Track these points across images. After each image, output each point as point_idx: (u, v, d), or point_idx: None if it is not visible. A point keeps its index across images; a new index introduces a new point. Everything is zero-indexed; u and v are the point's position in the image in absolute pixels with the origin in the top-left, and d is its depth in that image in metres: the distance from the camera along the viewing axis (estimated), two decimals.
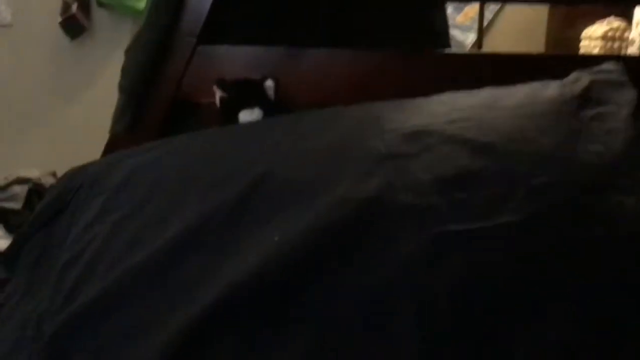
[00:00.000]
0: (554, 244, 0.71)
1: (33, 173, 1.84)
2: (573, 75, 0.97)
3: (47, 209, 1.07)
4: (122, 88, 1.30)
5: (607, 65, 1.00)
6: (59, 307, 0.84)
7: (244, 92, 1.15)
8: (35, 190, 1.80)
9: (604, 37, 2.70)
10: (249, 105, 1.13)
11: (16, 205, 1.76)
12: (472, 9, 3.06)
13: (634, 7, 2.44)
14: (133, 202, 0.91)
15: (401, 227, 0.72)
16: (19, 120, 2.89)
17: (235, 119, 1.14)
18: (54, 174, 1.86)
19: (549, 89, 0.92)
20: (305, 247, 0.72)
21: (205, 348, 0.68)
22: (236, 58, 1.30)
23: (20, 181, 1.81)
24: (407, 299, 0.66)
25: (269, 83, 1.15)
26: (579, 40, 2.78)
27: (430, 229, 0.71)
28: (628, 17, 2.60)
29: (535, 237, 0.71)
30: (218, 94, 1.16)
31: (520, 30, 3.06)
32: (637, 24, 2.50)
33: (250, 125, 1.10)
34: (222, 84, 1.16)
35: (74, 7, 2.66)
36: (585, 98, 0.90)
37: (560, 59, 1.11)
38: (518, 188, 0.74)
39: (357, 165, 0.80)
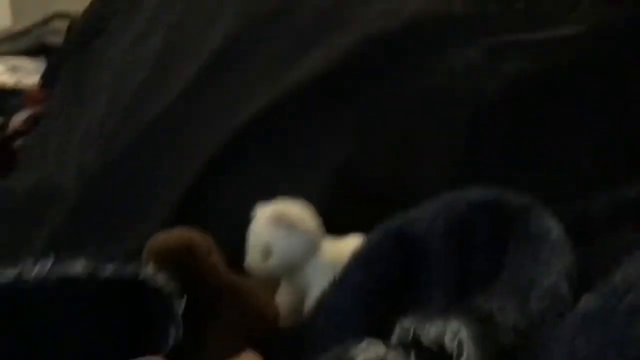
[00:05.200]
0: (611, 57, 0.66)
1: (72, 7, 1.81)
2: None
3: (88, 28, 1.06)
4: None
5: None
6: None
7: None
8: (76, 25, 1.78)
9: None
10: None
11: (58, 39, 1.75)
12: None
13: None
14: (174, 19, 0.88)
15: (454, 37, 0.68)
16: None
17: None
18: None
19: None
20: (353, 56, 0.69)
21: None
22: None
23: (60, 16, 1.78)
24: (454, 105, 0.64)
25: None
26: None
27: (483, 39, 0.67)
28: None
29: (593, 49, 0.66)
30: None
31: None
32: None
33: None
34: None
35: None
36: None
37: None
38: None
39: None
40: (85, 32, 1.06)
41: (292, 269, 0.54)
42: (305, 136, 0.67)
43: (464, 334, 0.35)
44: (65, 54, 1.05)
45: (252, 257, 0.53)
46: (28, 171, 0.87)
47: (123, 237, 0.66)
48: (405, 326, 0.37)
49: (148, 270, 0.47)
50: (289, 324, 0.52)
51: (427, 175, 0.61)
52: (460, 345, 0.35)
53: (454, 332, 0.35)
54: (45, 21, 1.80)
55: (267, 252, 0.53)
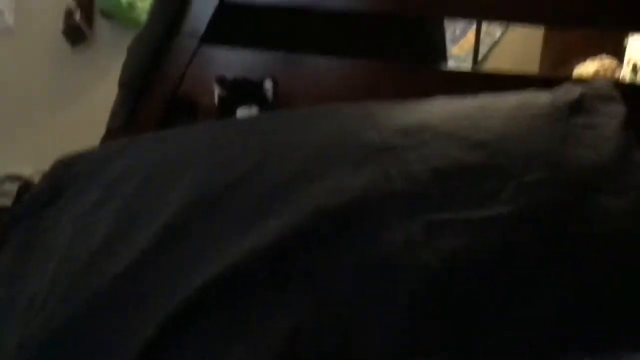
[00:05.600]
0: (541, 237, 0.72)
1: (25, 171, 1.84)
2: (564, 87, 0.99)
3: (41, 194, 1.08)
4: (122, 83, 1.32)
5: (598, 82, 1.04)
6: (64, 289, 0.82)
7: (243, 90, 1.17)
8: (27, 188, 1.80)
9: (596, 75, 2.76)
10: (247, 103, 1.15)
11: (7, 202, 1.76)
12: (468, 42, 3.12)
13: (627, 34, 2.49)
14: (131, 188, 0.91)
15: (395, 213, 0.73)
16: (16, 122, 2.89)
17: (232, 116, 1.16)
18: None
19: (541, 97, 0.95)
20: (301, 228, 0.73)
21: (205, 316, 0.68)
22: (236, 60, 1.32)
23: (12, 178, 1.81)
24: (397, 279, 0.67)
25: (268, 83, 1.17)
26: (571, 78, 2.84)
27: (424, 215, 0.72)
28: (619, 56, 2.66)
29: (524, 229, 0.72)
30: (217, 91, 1.18)
31: (514, 68, 3.12)
32: (628, 62, 2.56)
33: (249, 118, 1.12)
34: (222, 81, 1.18)
35: (77, 15, 2.69)
36: (576, 107, 0.92)
37: (555, 80, 1.14)
38: (510, 182, 0.76)
39: (353, 154, 0.82)
40: (39, 198, 1.07)
41: None
42: (258, 302, 0.69)
43: None
44: (15, 218, 1.06)
45: None
46: None
47: None
48: None
49: None
50: None
51: (372, 346, 0.63)
52: None
53: None
54: None
55: None
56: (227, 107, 1.17)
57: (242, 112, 1.15)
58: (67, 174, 1.06)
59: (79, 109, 2.91)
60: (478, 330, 0.66)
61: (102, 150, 1.09)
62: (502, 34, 3.20)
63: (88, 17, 2.78)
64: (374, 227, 0.72)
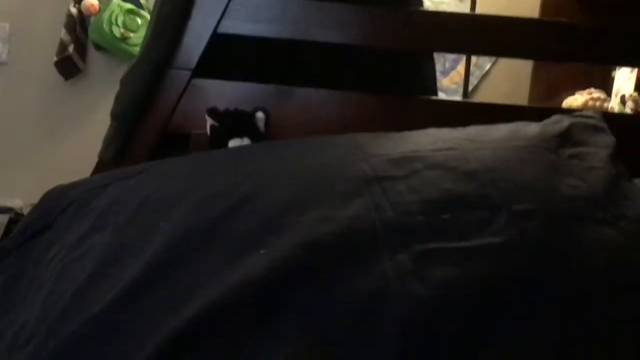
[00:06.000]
0: (532, 267, 0.72)
1: (15, 203, 1.83)
2: (554, 118, 1.01)
3: (31, 225, 1.07)
4: (114, 115, 1.32)
5: (586, 113, 1.05)
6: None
7: (235, 122, 1.17)
8: (16, 221, 1.79)
9: (585, 107, 2.79)
10: (238, 135, 1.16)
11: None
12: (458, 74, 3.16)
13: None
14: (122, 219, 0.91)
15: (385, 243, 0.73)
16: (6, 154, 2.89)
17: (224, 148, 1.16)
18: None
19: (530, 127, 0.96)
20: (291, 260, 0.72)
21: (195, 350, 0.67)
22: (228, 93, 1.33)
23: (1, 210, 1.80)
24: (388, 310, 0.67)
25: (260, 115, 1.18)
26: (560, 110, 2.87)
27: (414, 245, 0.72)
28: (607, 88, 2.70)
29: (515, 258, 0.72)
30: (209, 122, 1.19)
31: (503, 99, 3.16)
32: (617, 94, 2.60)
33: (238, 148, 1.12)
34: (214, 113, 1.18)
35: (71, 49, 2.72)
36: (565, 138, 0.93)
37: (544, 111, 1.16)
38: (500, 213, 0.76)
39: (343, 185, 0.82)
40: (29, 228, 1.07)
41: None
42: (248, 336, 0.68)
43: None
44: (4, 250, 1.05)
45: None
46: None
47: None
48: None
49: None
50: None
51: None
52: None
53: None
54: None
55: None
56: (219, 139, 1.17)
57: (234, 144, 1.16)
58: (57, 204, 1.06)
59: (71, 141, 2.92)
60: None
61: (92, 181, 1.09)
62: (492, 66, 3.24)
63: (82, 50, 2.81)
64: (365, 259, 0.71)
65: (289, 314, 0.68)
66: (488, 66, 3.25)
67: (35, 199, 1.14)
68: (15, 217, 1.79)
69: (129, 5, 2.77)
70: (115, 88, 1.40)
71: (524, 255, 0.73)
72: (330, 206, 0.78)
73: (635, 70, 2.36)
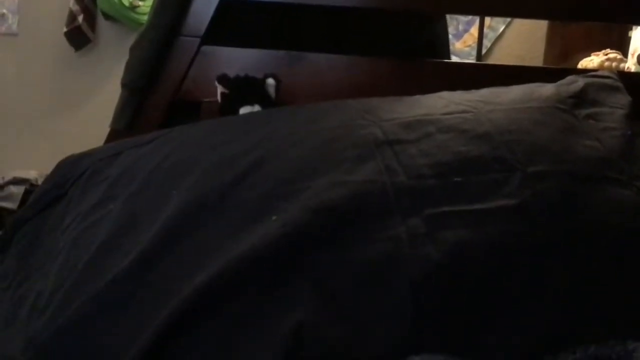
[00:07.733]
0: (546, 228, 0.72)
1: (30, 174, 1.84)
2: (569, 78, 0.99)
3: (45, 195, 1.08)
4: (125, 84, 1.31)
5: (602, 73, 1.03)
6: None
7: (246, 88, 1.16)
8: (32, 192, 1.80)
9: (601, 68, 2.74)
10: (249, 102, 1.15)
11: (12, 204, 1.77)
12: (471, 36, 3.11)
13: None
14: (134, 187, 0.91)
15: (398, 206, 0.73)
16: (20, 125, 2.91)
17: (235, 115, 1.15)
18: None
19: (545, 88, 0.94)
20: (303, 225, 0.72)
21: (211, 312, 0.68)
22: (238, 60, 1.31)
23: (17, 181, 1.81)
24: (400, 272, 0.67)
25: (271, 81, 1.17)
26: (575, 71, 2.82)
27: (426, 208, 0.72)
28: (623, 49, 2.64)
29: (529, 220, 0.72)
30: (220, 89, 1.18)
31: (517, 62, 3.11)
32: (633, 54, 2.55)
33: (249, 115, 1.11)
34: (224, 80, 1.17)
35: (80, 19, 2.71)
36: (580, 98, 0.92)
37: (559, 72, 1.13)
38: (513, 175, 0.76)
39: (354, 149, 0.81)
40: (43, 198, 1.08)
41: None
42: (262, 299, 0.68)
43: None
44: (20, 220, 1.06)
45: None
46: None
47: None
48: None
49: None
50: None
51: (376, 338, 0.63)
52: None
53: None
54: (1, 186, 1.83)
55: None
56: (229, 106, 1.16)
57: (244, 111, 1.15)
58: (70, 173, 1.06)
59: (83, 111, 2.93)
60: (480, 322, 0.65)
61: (105, 150, 1.09)
62: (506, 28, 3.19)
63: (91, 20, 2.79)
64: (377, 222, 0.71)
65: (304, 275, 0.69)
66: (502, 28, 3.19)
67: (49, 168, 1.15)
68: (31, 188, 1.80)
69: None
70: (125, 57, 1.39)
71: (537, 217, 0.72)
72: (341, 170, 0.78)
73: None
